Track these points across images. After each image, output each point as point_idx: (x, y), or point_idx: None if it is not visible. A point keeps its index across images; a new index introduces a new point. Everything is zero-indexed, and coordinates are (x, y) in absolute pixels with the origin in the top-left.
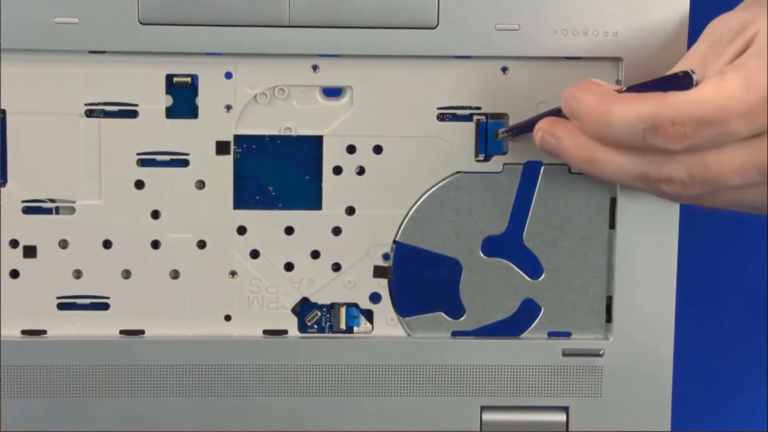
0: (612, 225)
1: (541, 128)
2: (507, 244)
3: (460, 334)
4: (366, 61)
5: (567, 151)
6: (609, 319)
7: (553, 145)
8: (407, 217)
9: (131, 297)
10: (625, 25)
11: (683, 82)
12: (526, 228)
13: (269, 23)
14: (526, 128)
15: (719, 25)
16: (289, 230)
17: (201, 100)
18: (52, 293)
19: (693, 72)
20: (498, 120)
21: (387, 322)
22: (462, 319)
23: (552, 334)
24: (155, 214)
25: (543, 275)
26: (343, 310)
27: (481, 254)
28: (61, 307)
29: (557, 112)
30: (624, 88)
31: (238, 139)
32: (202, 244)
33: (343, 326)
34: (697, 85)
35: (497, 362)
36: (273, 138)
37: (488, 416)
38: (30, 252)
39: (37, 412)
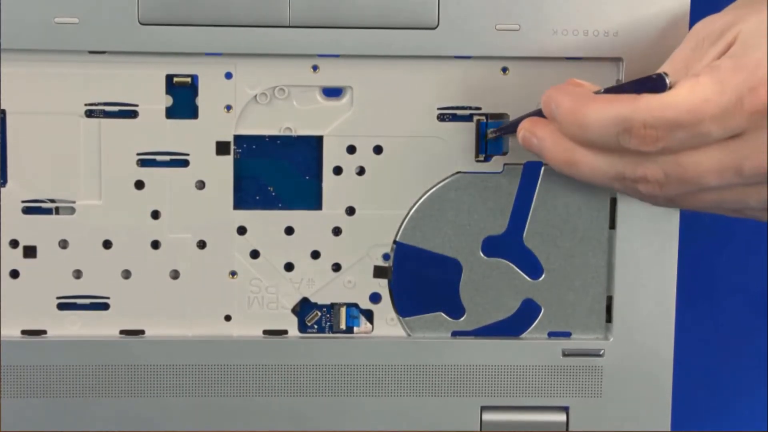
0: (612, 225)
1: (523, 127)
2: (507, 244)
3: (460, 334)
4: (366, 62)
5: (547, 151)
6: (609, 319)
7: (534, 145)
8: (407, 217)
9: (131, 297)
10: (626, 25)
11: (657, 84)
12: (526, 228)
13: (269, 23)
14: (512, 128)
15: (702, 28)
16: (289, 230)
17: (201, 100)
18: (52, 293)
19: (666, 74)
20: (498, 120)
21: (387, 322)
22: (462, 319)
23: (552, 334)
24: (155, 214)
25: (543, 275)
26: (343, 310)
27: (482, 254)
28: (61, 307)
29: (540, 113)
30: (602, 90)
31: (238, 139)
32: (202, 244)
33: (343, 326)
34: (671, 87)
35: (497, 362)
36: (273, 138)
37: (488, 416)
38: (30, 252)
39: (37, 412)
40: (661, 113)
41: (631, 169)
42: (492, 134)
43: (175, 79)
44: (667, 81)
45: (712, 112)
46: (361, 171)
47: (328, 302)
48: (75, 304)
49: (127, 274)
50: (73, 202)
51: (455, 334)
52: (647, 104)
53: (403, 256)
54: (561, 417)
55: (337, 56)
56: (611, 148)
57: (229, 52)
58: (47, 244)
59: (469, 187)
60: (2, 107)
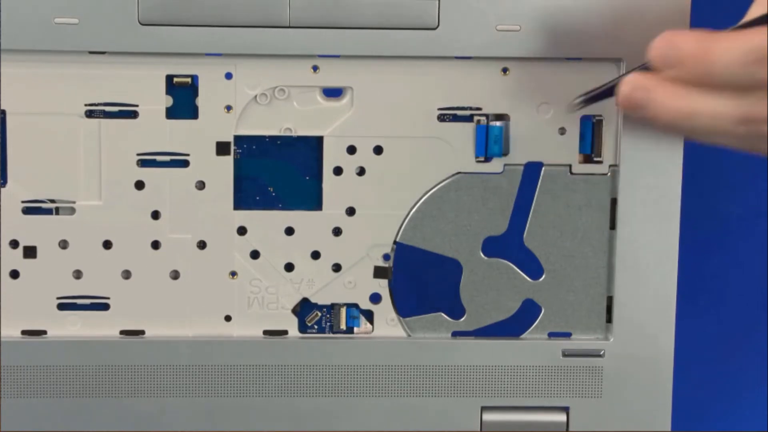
0: (612, 225)
1: (628, 81)
2: (507, 245)
3: (461, 334)
4: (366, 62)
5: (659, 104)
6: (609, 319)
7: (641, 100)
8: (407, 218)
9: (131, 297)
10: (626, 25)
11: None
12: (526, 229)
13: (269, 24)
14: (604, 94)
15: None
16: (290, 230)
17: (201, 101)
18: (52, 293)
19: None
20: (499, 121)
21: (387, 323)
22: (462, 319)
23: (552, 335)
24: (155, 215)
25: (543, 276)
26: (343, 310)
27: (482, 255)
28: (61, 307)
29: (645, 68)
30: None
31: (239, 139)
32: (202, 245)
33: (343, 326)
34: None
35: (497, 362)
36: (273, 138)
37: (488, 416)
38: (30, 252)
39: (37, 412)
40: None
41: (760, 108)
42: (576, 105)
43: (175, 80)
44: None
45: None
46: (361, 171)
47: (328, 302)
48: (75, 304)
49: (127, 275)
50: (73, 202)
51: (455, 334)
52: None
53: (403, 256)
54: (561, 417)
55: (337, 57)
56: (739, 87)
57: (229, 52)
58: (47, 244)
59: (469, 188)
60: (2, 107)
